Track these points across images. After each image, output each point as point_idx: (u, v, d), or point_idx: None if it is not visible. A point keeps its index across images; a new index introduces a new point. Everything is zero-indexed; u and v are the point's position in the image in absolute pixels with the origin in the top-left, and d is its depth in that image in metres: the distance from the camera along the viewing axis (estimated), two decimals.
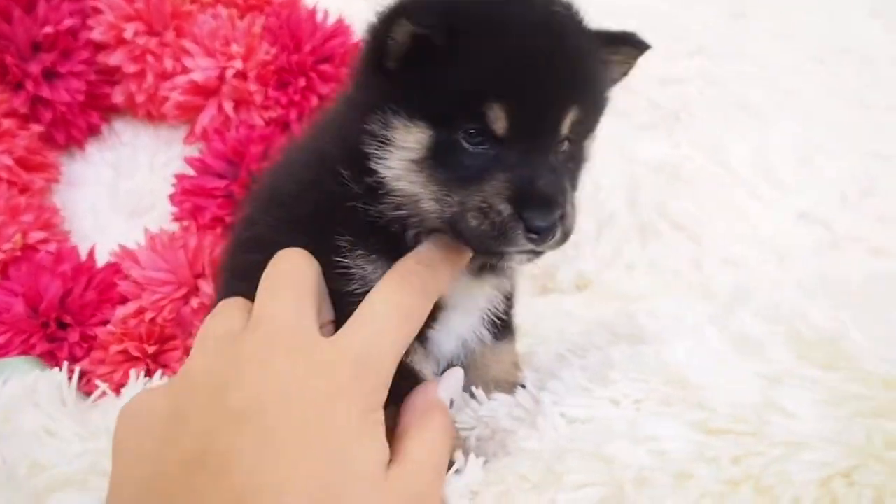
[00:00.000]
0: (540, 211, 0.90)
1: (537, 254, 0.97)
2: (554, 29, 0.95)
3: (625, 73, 1.11)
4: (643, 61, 1.93)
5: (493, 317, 1.19)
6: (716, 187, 1.84)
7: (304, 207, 1.07)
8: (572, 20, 1.00)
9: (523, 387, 1.17)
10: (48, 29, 1.83)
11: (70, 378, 1.35)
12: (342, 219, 1.02)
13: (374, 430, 0.86)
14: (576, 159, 1.03)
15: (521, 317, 1.35)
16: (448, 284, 1.05)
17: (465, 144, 0.93)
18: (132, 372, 1.46)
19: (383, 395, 0.89)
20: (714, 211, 1.83)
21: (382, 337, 0.91)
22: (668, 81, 1.89)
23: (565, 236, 0.95)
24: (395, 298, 0.95)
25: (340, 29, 1.87)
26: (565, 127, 0.95)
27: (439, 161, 0.94)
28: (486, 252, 1.00)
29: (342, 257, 1.00)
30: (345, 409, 0.84)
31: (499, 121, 0.91)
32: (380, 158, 0.97)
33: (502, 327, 1.22)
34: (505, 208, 0.90)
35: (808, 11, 1.98)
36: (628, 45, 1.06)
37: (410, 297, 0.96)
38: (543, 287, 1.86)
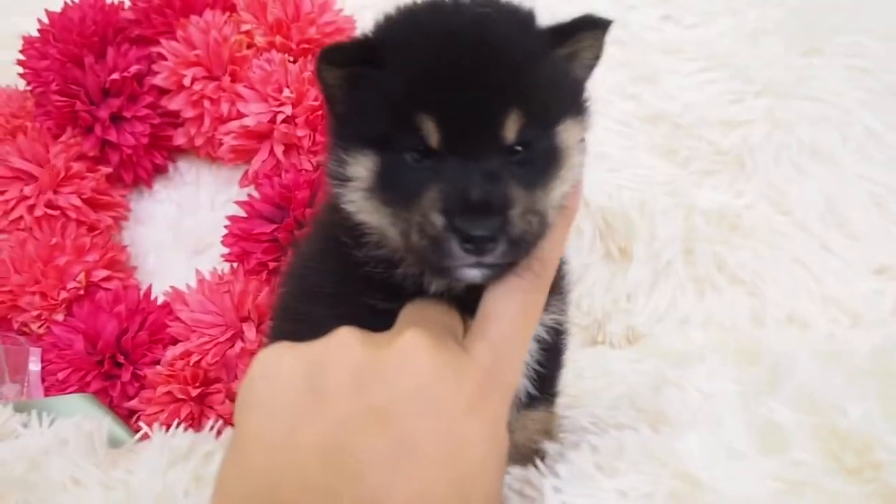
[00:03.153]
0: (473, 219, 0.83)
1: (492, 267, 0.88)
2: (480, 31, 0.89)
3: (596, 57, 1.02)
4: (706, 103, 1.82)
5: (532, 368, 1.13)
6: (781, 239, 1.71)
7: (313, 279, 1.08)
8: (506, 19, 0.93)
9: (542, 459, 1.12)
10: (116, 75, 1.92)
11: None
12: (348, 285, 1.00)
13: (501, 451, 0.86)
14: (541, 162, 0.94)
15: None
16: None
17: (410, 162, 0.90)
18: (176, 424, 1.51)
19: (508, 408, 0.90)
20: (779, 265, 1.69)
21: (509, 343, 0.91)
22: (732, 125, 1.77)
23: (517, 245, 0.86)
24: (514, 296, 0.93)
25: None
26: (509, 132, 0.88)
27: (386, 184, 0.92)
28: (434, 272, 0.94)
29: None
30: (477, 429, 0.81)
31: (431, 133, 0.87)
32: (342, 196, 0.96)
33: (541, 386, 1.16)
34: (438, 220, 0.85)
35: (892, 44, 1.81)
36: (583, 30, 0.97)
37: (528, 292, 0.94)
38: (593, 339, 1.78)
